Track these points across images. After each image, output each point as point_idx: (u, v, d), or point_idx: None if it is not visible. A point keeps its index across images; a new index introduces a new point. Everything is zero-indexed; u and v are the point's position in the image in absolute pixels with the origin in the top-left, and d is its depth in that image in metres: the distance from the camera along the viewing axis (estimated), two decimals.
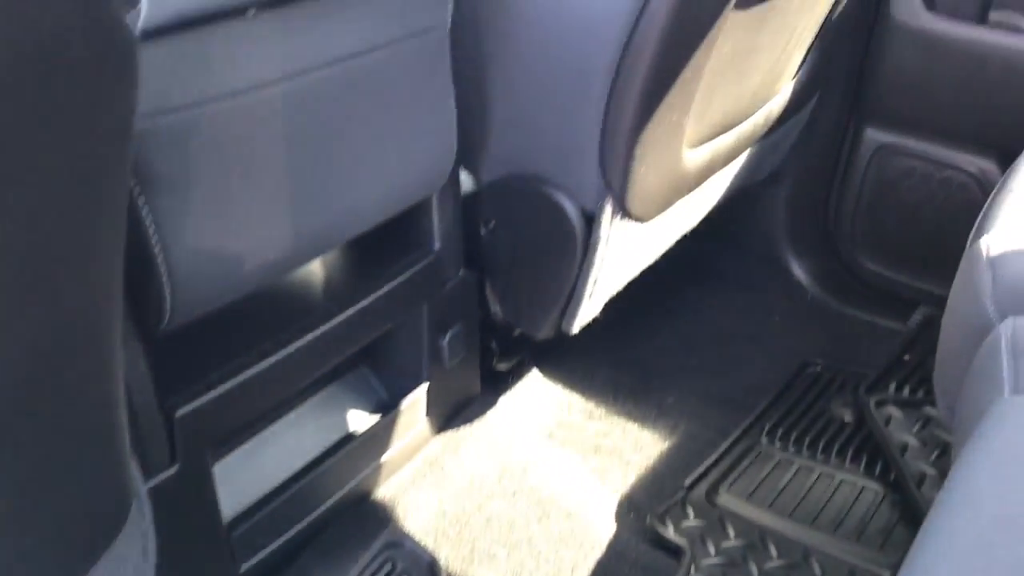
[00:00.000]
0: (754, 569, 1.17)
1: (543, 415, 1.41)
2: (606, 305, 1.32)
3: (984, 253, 0.97)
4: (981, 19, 1.55)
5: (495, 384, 1.39)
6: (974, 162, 1.58)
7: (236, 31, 0.78)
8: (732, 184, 1.51)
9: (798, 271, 1.81)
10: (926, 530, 0.68)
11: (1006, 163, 1.45)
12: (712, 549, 1.20)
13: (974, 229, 1.08)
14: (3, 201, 0.44)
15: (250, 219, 0.86)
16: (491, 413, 1.35)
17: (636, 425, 1.44)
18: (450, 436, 1.30)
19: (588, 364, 1.54)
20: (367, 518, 1.15)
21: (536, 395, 1.44)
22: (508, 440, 1.32)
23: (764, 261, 1.83)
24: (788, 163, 1.72)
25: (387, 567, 1.09)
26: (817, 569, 1.17)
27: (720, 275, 1.82)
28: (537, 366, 1.48)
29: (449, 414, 1.31)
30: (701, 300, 1.76)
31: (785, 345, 1.65)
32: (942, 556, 0.67)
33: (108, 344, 0.59)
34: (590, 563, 1.16)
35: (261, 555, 1.07)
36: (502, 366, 1.41)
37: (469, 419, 1.32)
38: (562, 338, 1.32)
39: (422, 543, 1.13)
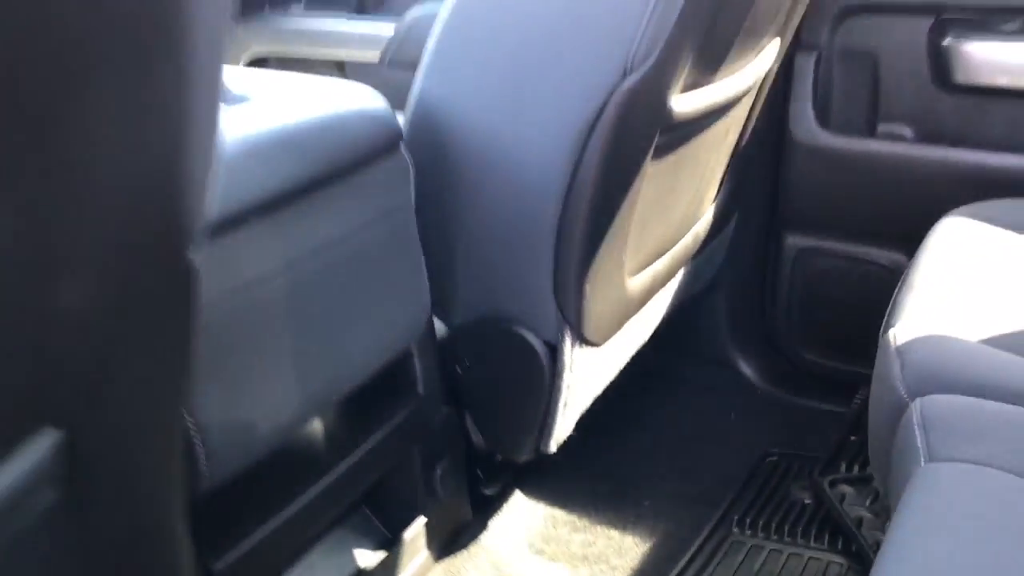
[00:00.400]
0: None
1: (531, 532, 1.52)
2: (578, 422, 1.46)
3: (892, 343, 1.14)
4: (870, 132, 1.77)
5: (485, 508, 1.51)
6: (885, 255, 1.77)
7: (241, 236, 0.94)
8: (673, 300, 1.68)
9: (745, 369, 1.96)
10: None
11: (912, 253, 1.65)
12: None
13: (884, 321, 1.25)
14: None
15: (264, 388, 1.00)
16: (484, 536, 1.46)
17: (617, 531, 1.56)
18: (449, 562, 1.40)
19: (567, 479, 1.66)
20: None
21: (523, 514, 1.55)
22: (503, 560, 1.43)
23: (714, 363, 1.98)
24: (722, 274, 1.90)
25: None
26: None
27: (677, 381, 1.97)
28: (521, 487, 1.60)
29: (446, 542, 1.42)
30: (662, 406, 1.90)
31: (743, 439, 1.79)
32: None
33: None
34: None
35: None
36: (489, 491, 1.52)
37: (465, 544, 1.43)
38: (541, 458, 1.44)
39: None
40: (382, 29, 1.82)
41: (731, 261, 1.90)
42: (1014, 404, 1.04)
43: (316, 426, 1.25)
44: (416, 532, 1.34)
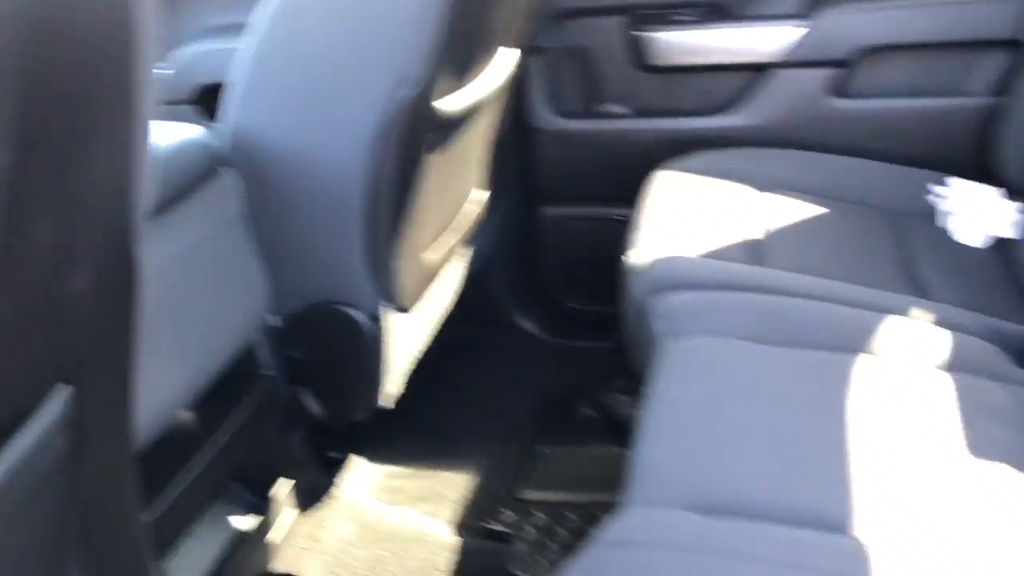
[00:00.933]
0: (562, 531, 1.61)
1: (376, 485, 1.78)
2: (407, 384, 1.74)
3: (629, 263, 1.50)
4: (594, 113, 2.17)
5: (335, 470, 1.75)
6: (619, 211, 2.17)
7: None
8: (465, 272, 1.99)
9: (527, 325, 2.32)
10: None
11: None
12: (529, 528, 1.63)
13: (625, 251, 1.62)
14: None
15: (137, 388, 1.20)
16: (337, 492, 1.70)
17: (447, 472, 1.85)
18: (313, 515, 1.64)
19: (399, 439, 1.93)
20: None
21: (367, 471, 1.81)
22: (357, 508, 1.69)
23: (502, 324, 2.32)
24: (498, 247, 2.24)
25: None
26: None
27: (474, 344, 2.28)
28: (362, 451, 1.85)
29: (307, 500, 1.65)
30: (466, 367, 2.21)
31: (536, 381, 2.13)
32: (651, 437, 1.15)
33: None
34: (441, 562, 1.55)
35: None
36: (335, 455, 1.77)
37: (323, 500, 1.67)
38: (375, 423, 1.71)
39: None
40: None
41: (503, 235, 2.24)
42: (728, 291, 1.43)
43: (184, 415, 1.45)
44: (281, 493, 1.56)
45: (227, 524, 1.51)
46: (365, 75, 1.43)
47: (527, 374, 2.17)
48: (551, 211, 2.23)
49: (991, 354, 1.29)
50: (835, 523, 0.98)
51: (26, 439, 0.77)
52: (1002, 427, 1.12)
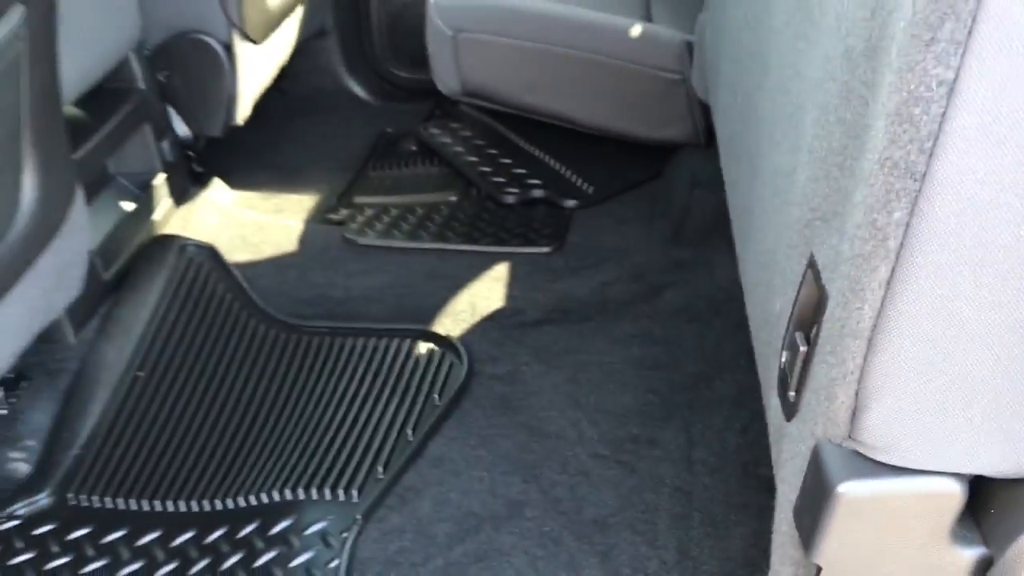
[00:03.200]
0: (386, 219, 2.07)
1: (238, 196, 2.19)
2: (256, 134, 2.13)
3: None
4: None
5: (198, 180, 2.14)
6: None
7: None
8: (299, 30, 2.36)
9: (358, 90, 2.71)
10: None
11: None
12: (360, 218, 2.08)
13: None
14: None
15: None
16: (204, 194, 2.10)
17: (294, 189, 2.26)
18: (186, 209, 2.04)
19: (252, 167, 2.33)
20: (165, 250, 1.88)
21: (228, 185, 2.21)
22: (223, 209, 2.10)
23: (336, 90, 2.70)
24: (331, 18, 2.60)
25: (185, 266, 1.84)
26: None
27: (310, 105, 2.67)
28: (224, 173, 2.24)
29: (179, 197, 2.05)
30: (305, 122, 2.59)
31: (368, 132, 2.55)
32: None
33: None
34: (292, 238, 2.00)
35: None
36: (199, 169, 2.16)
37: (193, 200, 2.07)
38: (235, 150, 2.10)
39: (202, 244, 1.90)
40: None
41: (335, 8, 2.60)
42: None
43: (72, 112, 1.80)
44: (159, 183, 1.96)
45: (116, 205, 1.89)
46: None
47: (357, 127, 2.58)
48: None
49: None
50: None
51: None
52: None
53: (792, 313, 0.83)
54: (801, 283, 0.82)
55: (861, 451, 0.72)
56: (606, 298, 1.80)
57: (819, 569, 0.77)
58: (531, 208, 2.09)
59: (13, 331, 1.38)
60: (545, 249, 1.93)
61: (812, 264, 0.79)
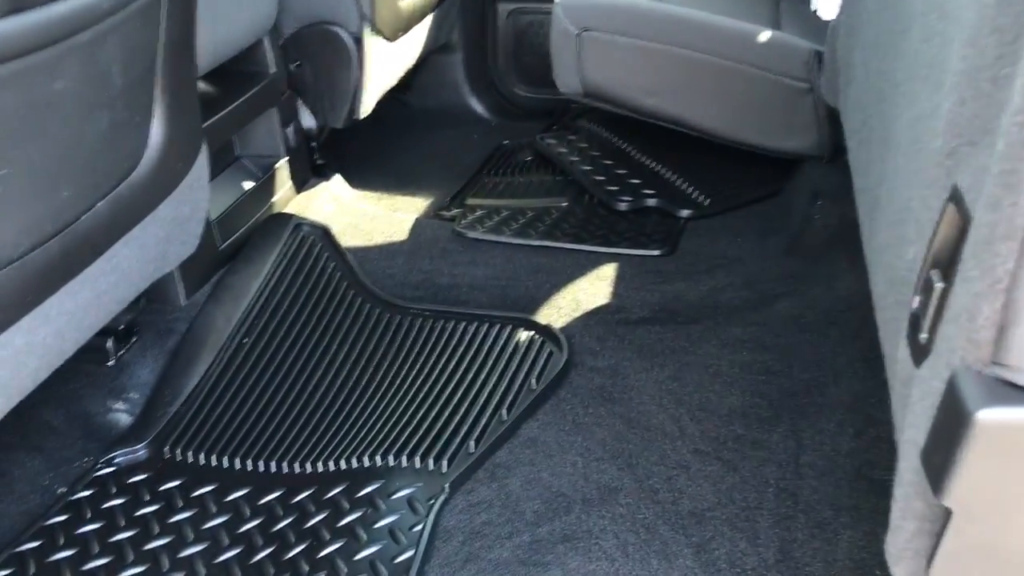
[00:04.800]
0: (496, 218, 2.06)
1: (354, 191, 2.22)
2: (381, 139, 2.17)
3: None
4: None
5: (318, 171, 2.19)
6: None
7: None
8: (427, 38, 2.41)
9: (478, 107, 2.75)
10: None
11: None
12: (470, 215, 2.08)
13: None
14: None
15: None
16: (323, 184, 2.14)
17: (409, 189, 2.29)
18: (306, 195, 2.08)
19: (372, 169, 2.37)
20: (280, 226, 1.91)
21: (345, 182, 2.25)
22: (340, 198, 2.13)
23: (457, 106, 2.75)
24: (456, 35, 2.66)
25: (299, 243, 1.87)
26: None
27: (432, 117, 2.71)
28: (345, 169, 2.29)
29: (299, 184, 2.09)
30: (425, 135, 2.63)
31: (483, 142, 2.57)
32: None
33: None
34: (403, 229, 2.01)
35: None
36: (320, 161, 2.20)
37: (312, 188, 2.11)
38: (353, 143, 2.14)
39: (316, 224, 1.93)
40: None
41: (463, 25, 2.65)
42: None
43: (202, 86, 1.86)
44: (282, 166, 2.00)
45: (238, 184, 1.94)
46: None
47: (477, 139, 2.61)
48: (508, 6, 2.65)
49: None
50: None
51: None
52: None
53: (927, 255, 0.77)
54: (939, 221, 0.77)
55: (1005, 376, 0.65)
56: (716, 303, 1.74)
57: (948, 516, 0.69)
58: (643, 215, 2.05)
59: (128, 274, 1.41)
60: (655, 252, 1.89)
61: (955, 195, 0.74)
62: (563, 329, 1.66)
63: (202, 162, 1.53)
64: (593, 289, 1.78)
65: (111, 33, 1.16)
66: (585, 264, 1.85)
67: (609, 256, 1.88)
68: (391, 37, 2.08)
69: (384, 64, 2.14)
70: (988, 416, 0.64)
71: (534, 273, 1.84)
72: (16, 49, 0.99)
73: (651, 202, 2.06)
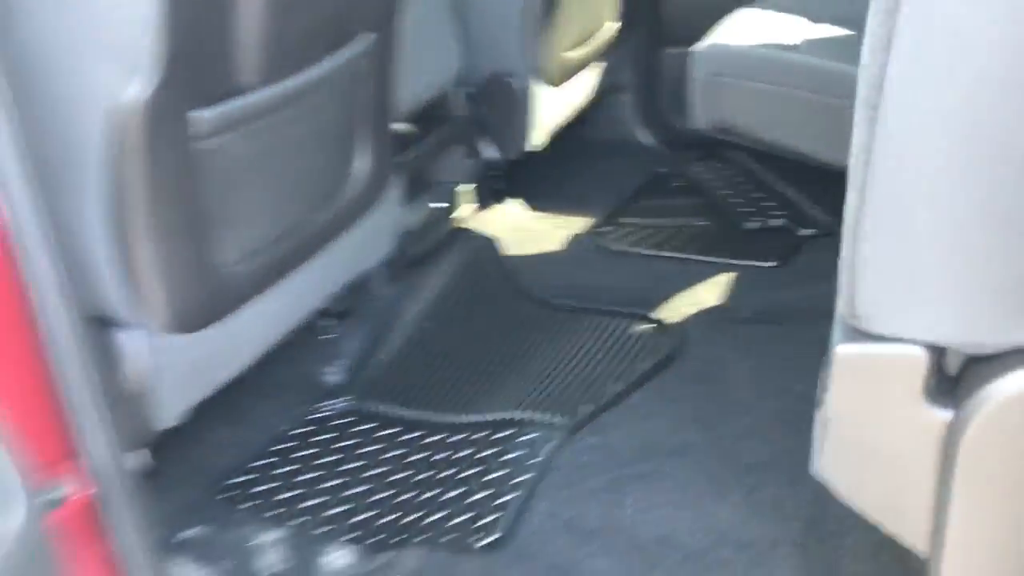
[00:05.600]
0: (650, 233, 2.44)
1: (525, 213, 2.67)
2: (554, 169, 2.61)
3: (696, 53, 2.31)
4: None
5: (498, 195, 2.66)
6: None
7: None
8: (598, 81, 2.83)
9: (644, 137, 3.13)
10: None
11: None
12: (625, 229, 2.47)
13: None
14: None
15: None
16: (500, 208, 2.61)
17: (578, 206, 2.71)
18: (485, 214, 2.56)
19: (543, 191, 2.81)
20: (459, 238, 2.39)
21: (519, 204, 2.70)
22: (516, 219, 2.59)
23: (623, 136, 3.14)
24: (625, 76, 3.06)
25: (473, 251, 2.34)
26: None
27: (602, 149, 3.12)
28: (515, 193, 2.74)
29: (481, 205, 2.57)
30: (596, 164, 3.05)
31: (643, 171, 2.95)
32: None
33: None
34: (562, 239, 2.42)
35: None
36: (497, 187, 2.68)
37: (491, 208, 2.59)
38: (522, 175, 2.59)
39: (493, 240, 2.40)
40: None
41: (633, 67, 3.05)
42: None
43: (402, 126, 2.36)
44: (467, 192, 2.49)
45: (429, 204, 2.44)
46: None
47: (642, 167, 2.99)
48: (671, 50, 3.02)
49: None
50: None
51: (350, 51, 1.67)
52: None
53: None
54: None
55: (854, 324, 0.97)
56: (816, 308, 2.02)
57: (827, 422, 1.02)
58: (768, 233, 2.36)
59: (338, 268, 1.92)
60: (770, 264, 2.20)
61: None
62: (675, 324, 2.02)
63: (396, 185, 2.02)
64: (708, 293, 2.12)
65: (329, 91, 1.66)
66: (706, 273, 2.20)
67: (728, 266, 2.21)
68: (556, 84, 2.52)
69: (552, 106, 2.59)
70: (843, 350, 0.97)
71: (660, 279, 2.21)
72: (264, 110, 1.50)
73: (776, 222, 2.37)
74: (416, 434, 1.87)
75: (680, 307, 2.08)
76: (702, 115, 2.43)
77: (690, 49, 2.34)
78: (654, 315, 2.05)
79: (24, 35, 1.24)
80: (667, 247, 2.34)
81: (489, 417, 1.86)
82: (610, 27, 2.81)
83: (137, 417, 1.45)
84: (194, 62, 1.31)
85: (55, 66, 1.26)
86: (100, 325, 1.39)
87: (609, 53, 2.84)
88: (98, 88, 1.25)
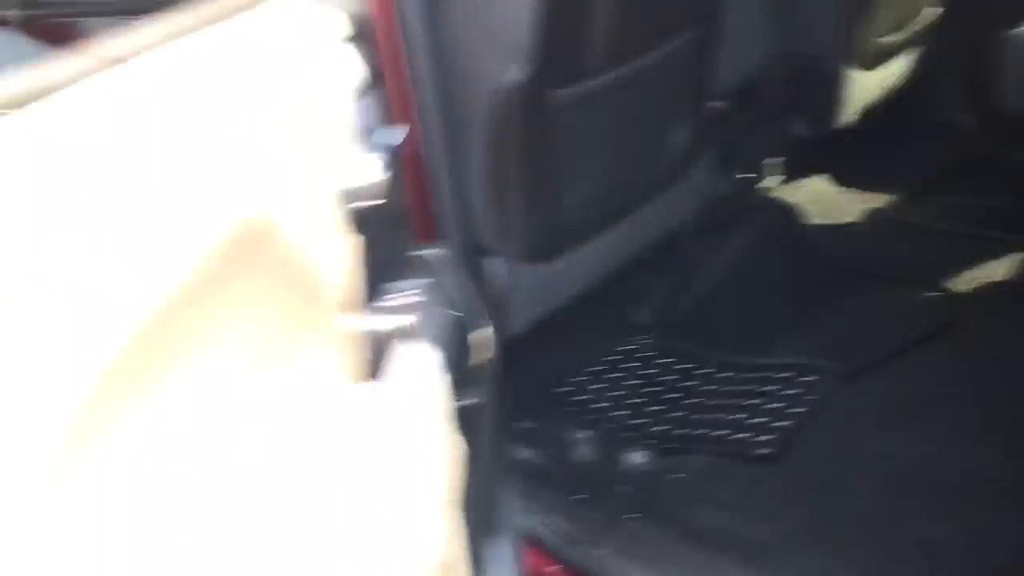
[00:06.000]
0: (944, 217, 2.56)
1: (828, 184, 2.86)
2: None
3: None
4: None
5: (803, 170, 2.87)
6: None
7: None
8: (914, 66, 2.93)
9: (961, 121, 3.16)
10: None
11: None
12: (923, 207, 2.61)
13: None
14: None
15: None
16: (803, 180, 2.82)
17: (879, 187, 2.86)
18: (792, 185, 2.79)
19: (842, 165, 2.98)
20: (762, 205, 2.66)
21: (821, 178, 2.89)
22: (814, 190, 2.80)
23: (941, 122, 3.19)
24: (944, 60, 3.11)
25: (771, 213, 2.59)
26: None
27: (930, 134, 3.20)
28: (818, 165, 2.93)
29: (788, 177, 2.80)
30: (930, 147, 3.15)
31: (961, 150, 3.01)
32: None
33: None
34: (863, 224, 2.60)
35: None
36: (805, 161, 2.89)
37: (799, 180, 2.82)
38: (833, 147, 2.79)
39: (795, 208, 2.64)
40: None
41: (957, 51, 3.10)
42: None
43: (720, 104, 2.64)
44: (776, 165, 2.74)
45: (736, 175, 2.72)
46: None
47: (951, 148, 3.05)
48: (1000, 35, 3.03)
49: None
50: None
51: (681, 39, 1.99)
52: None
53: None
54: None
55: None
56: None
57: None
58: None
59: (653, 225, 2.27)
60: None
61: None
62: (963, 293, 2.16)
63: (709, 156, 2.33)
64: (1001, 269, 2.23)
65: (660, 74, 1.99)
66: (1001, 251, 2.30)
67: None
68: (870, 68, 2.69)
69: (863, 86, 2.76)
70: None
71: (954, 253, 2.34)
72: (608, 90, 1.86)
73: None
74: (709, 369, 2.18)
75: (970, 279, 2.21)
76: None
77: (1010, 32, 2.41)
78: (943, 284, 2.21)
79: (442, 31, 1.66)
80: (965, 224, 2.45)
81: (775, 360, 2.13)
82: (930, 12, 2.90)
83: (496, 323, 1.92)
84: (557, 52, 1.70)
85: (463, 52, 1.66)
86: (476, 252, 1.84)
87: (929, 37, 2.94)
88: (488, 72, 1.62)
